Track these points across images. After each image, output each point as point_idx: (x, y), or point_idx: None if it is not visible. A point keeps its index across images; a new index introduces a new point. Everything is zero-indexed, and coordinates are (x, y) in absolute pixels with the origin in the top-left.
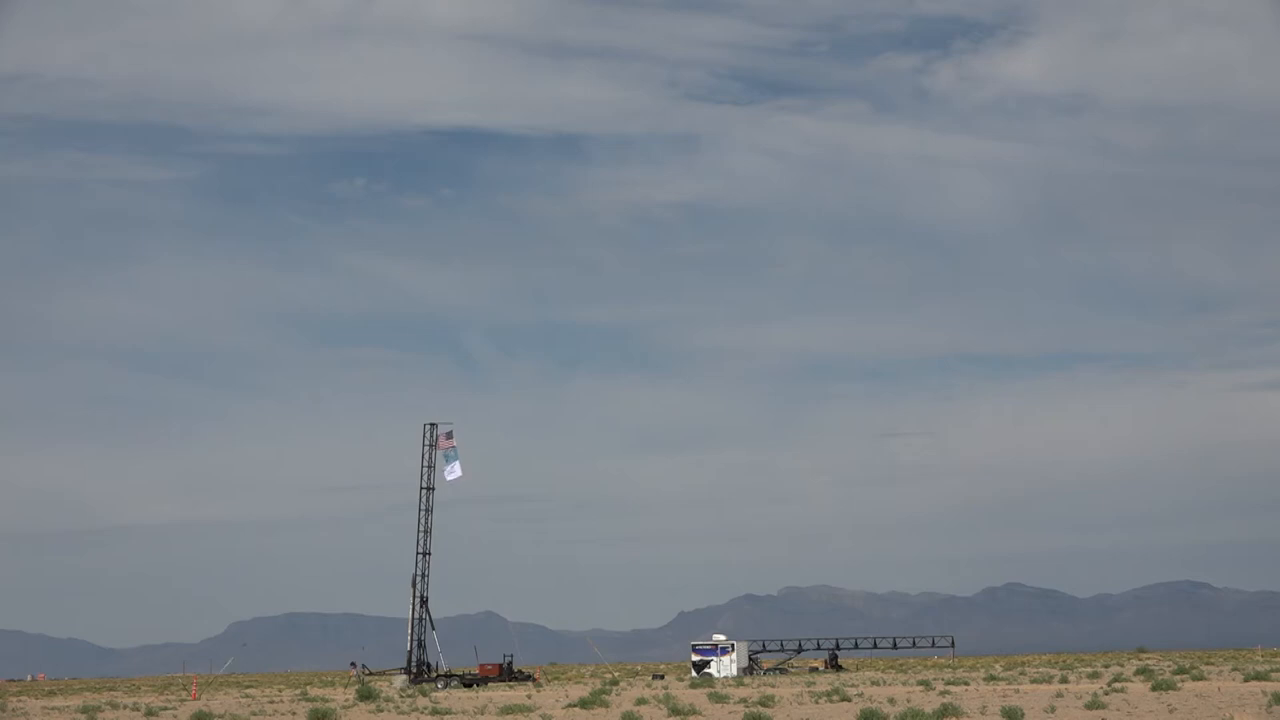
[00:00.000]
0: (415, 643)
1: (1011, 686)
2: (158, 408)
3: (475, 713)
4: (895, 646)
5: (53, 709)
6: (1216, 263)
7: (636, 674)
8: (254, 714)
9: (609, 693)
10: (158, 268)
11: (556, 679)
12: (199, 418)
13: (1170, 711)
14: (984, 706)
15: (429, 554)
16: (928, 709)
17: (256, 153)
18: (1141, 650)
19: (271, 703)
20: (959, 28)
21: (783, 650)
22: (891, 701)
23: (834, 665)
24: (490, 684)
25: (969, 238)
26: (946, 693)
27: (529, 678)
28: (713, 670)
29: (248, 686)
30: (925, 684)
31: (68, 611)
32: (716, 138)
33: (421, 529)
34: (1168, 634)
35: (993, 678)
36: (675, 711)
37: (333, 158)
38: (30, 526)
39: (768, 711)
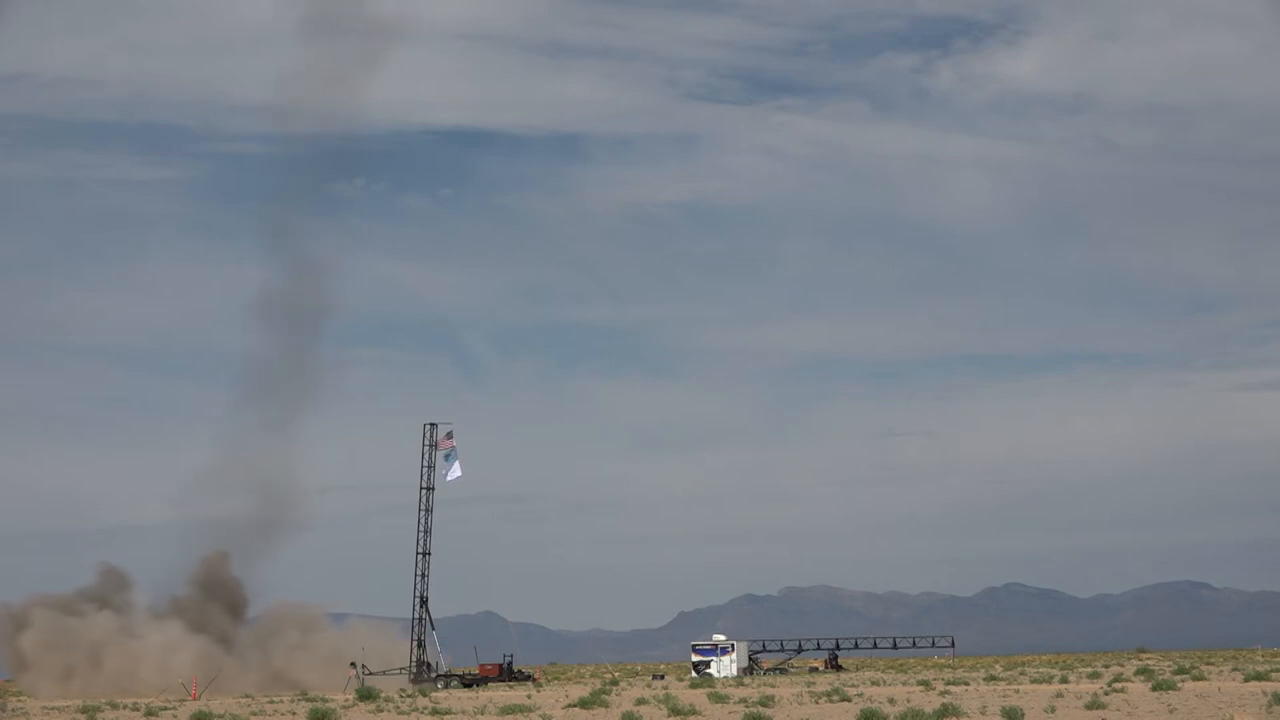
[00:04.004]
0: (415, 643)
1: (1011, 686)
2: (158, 408)
3: (475, 713)
4: (895, 646)
5: (53, 709)
6: (1216, 263)
7: (636, 674)
8: (254, 714)
9: (609, 693)
10: (157, 268)
11: (556, 679)
12: (199, 418)
13: (1170, 711)
14: (984, 706)
15: (429, 554)
16: (928, 709)
17: (256, 153)
18: (1141, 650)
19: (271, 702)
20: (959, 28)
21: (783, 650)
22: (891, 701)
23: (834, 665)
24: (490, 684)
25: (969, 238)
26: (946, 693)
27: (529, 678)
28: (713, 670)
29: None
30: (925, 684)
31: None
32: (716, 138)
33: (421, 529)
34: (1168, 634)
35: (993, 678)
36: (675, 711)
37: (333, 158)
38: (30, 526)
39: (768, 711)
